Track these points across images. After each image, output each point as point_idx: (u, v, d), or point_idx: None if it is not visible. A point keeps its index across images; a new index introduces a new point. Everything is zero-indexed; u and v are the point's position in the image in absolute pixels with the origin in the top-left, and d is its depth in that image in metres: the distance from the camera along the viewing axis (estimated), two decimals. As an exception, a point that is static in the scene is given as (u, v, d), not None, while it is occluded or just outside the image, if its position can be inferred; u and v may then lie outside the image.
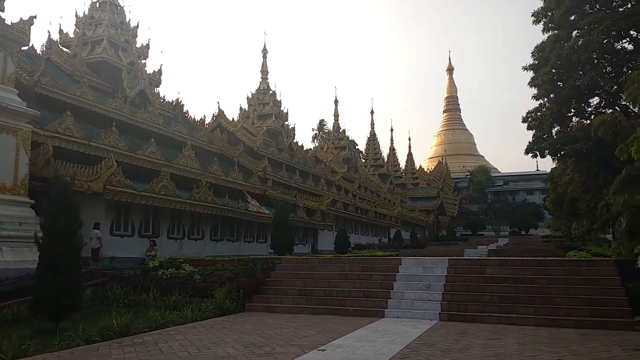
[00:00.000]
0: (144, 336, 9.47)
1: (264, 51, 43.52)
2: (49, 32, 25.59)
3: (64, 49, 25.76)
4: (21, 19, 15.26)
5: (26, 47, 17.91)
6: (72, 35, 26.45)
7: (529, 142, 22.04)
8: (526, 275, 12.98)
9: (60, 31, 26.64)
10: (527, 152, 22.07)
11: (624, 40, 19.79)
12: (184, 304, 12.50)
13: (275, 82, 67.74)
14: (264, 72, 42.85)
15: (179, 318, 11.11)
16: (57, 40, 25.70)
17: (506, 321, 11.18)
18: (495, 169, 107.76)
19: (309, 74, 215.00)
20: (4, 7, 14.85)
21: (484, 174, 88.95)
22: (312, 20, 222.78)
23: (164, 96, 30.41)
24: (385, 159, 73.49)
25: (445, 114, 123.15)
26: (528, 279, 12.79)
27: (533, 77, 21.40)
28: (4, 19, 14.73)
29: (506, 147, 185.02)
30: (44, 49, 24.46)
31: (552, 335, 9.67)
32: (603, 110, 20.06)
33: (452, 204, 76.93)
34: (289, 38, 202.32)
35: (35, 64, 20.12)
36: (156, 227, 20.79)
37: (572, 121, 21.45)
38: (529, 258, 16.62)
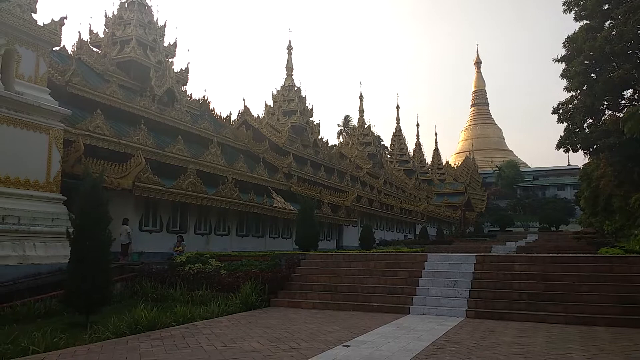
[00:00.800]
0: (171, 330, 9.65)
1: (289, 48, 43.62)
2: (79, 32, 26.29)
3: (94, 49, 26.36)
4: (52, 20, 15.65)
5: (57, 48, 18.37)
6: (101, 35, 27.03)
7: (561, 136, 21.54)
8: (556, 272, 12.69)
9: (91, 31, 27.25)
10: (558, 146, 21.56)
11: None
12: (211, 298, 12.68)
13: (300, 79, 68.07)
14: (289, 68, 42.97)
15: (206, 313, 11.28)
16: (87, 41, 26.30)
17: (535, 319, 10.96)
18: (525, 163, 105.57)
19: (334, 70, 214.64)
20: (36, 8, 15.27)
21: (512, 169, 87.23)
22: (337, 16, 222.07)
23: (190, 94, 30.84)
24: (411, 155, 72.88)
25: (472, 108, 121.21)
26: (558, 276, 12.50)
27: (565, 68, 20.87)
28: (36, 20, 15.16)
29: (536, 141, 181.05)
30: (75, 49, 25.07)
31: (582, 334, 9.44)
32: (637, 104, 19.41)
33: (480, 199, 75.79)
34: (314, 34, 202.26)
35: (67, 64, 20.66)
36: (183, 222, 21.14)
37: (605, 114, 20.86)
38: (558, 255, 16.24)
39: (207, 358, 7.35)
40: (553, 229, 64.67)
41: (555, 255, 16.12)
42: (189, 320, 10.55)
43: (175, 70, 27.53)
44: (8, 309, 10.93)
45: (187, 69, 29.00)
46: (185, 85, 29.06)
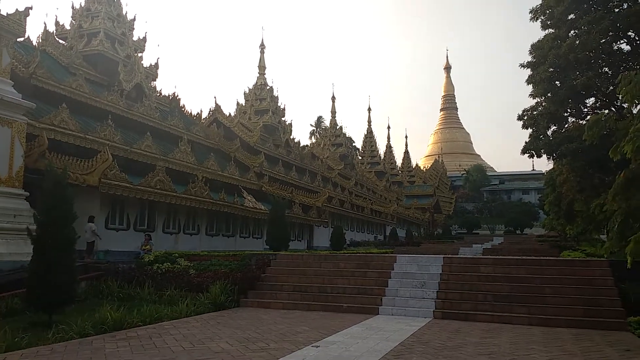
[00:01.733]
0: (138, 330, 9.45)
1: (262, 46, 43.35)
2: (45, 23, 25.44)
3: (60, 41, 25.59)
4: (17, 10, 15.14)
5: (22, 39, 17.80)
6: (68, 27, 26.26)
7: (526, 142, 22.05)
8: (520, 275, 13.02)
9: (57, 23, 26.45)
10: (523, 151, 22.08)
11: (622, 41, 19.82)
12: (179, 298, 12.48)
13: (272, 78, 67.70)
14: (262, 67, 42.72)
15: (174, 313, 11.09)
16: (53, 32, 25.52)
17: (500, 320, 11.22)
18: (492, 168, 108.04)
19: (306, 70, 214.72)
20: (0, -2, 14.74)
21: (479, 173, 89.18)
22: (310, 17, 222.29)
23: (160, 90, 30.33)
24: (382, 157, 73.53)
25: (442, 113, 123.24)
26: (522, 278, 12.83)
27: (530, 74, 21.39)
28: (0, 10, 14.63)
29: (502, 146, 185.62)
30: (40, 40, 24.27)
31: (546, 335, 9.72)
32: (599, 111, 20.11)
33: (448, 202, 77.19)
34: (287, 34, 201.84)
35: (31, 56, 19.97)
36: (152, 221, 20.75)
37: (568, 121, 21.50)
38: (523, 257, 16.69)
39: (175, 359, 7.24)
40: (518, 232, 66.43)
41: (520, 257, 16.55)
42: (156, 321, 10.36)
43: (144, 66, 27.00)
44: (-35, 308, 10.50)
45: (156, 64, 28.48)
46: (155, 81, 28.55)
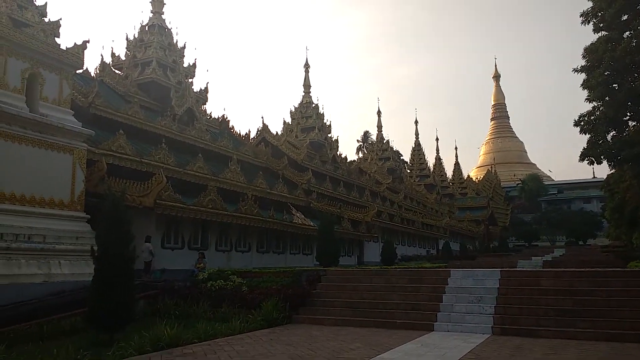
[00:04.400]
0: (193, 347, 9.62)
1: (306, 66, 44.04)
2: (102, 55, 27.00)
3: (116, 71, 27.03)
4: (75, 43, 16.11)
5: (80, 70, 18.87)
6: (123, 58, 27.73)
7: (584, 148, 21.14)
8: (584, 288, 12.34)
9: (113, 54, 27.98)
10: (581, 158, 21.15)
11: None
12: (232, 315, 12.64)
13: (317, 95, 68.44)
14: (307, 86, 43.32)
15: (227, 329, 11.24)
16: (109, 63, 27.00)
17: (563, 335, 10.63)
18: (548, 176, 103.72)
19: (352, 86, 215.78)
20: (59, 32, 15.74)
21: (536, 182, 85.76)
22: (353, 32, 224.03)
23: (210, 113, 31.29)
24: (432, 169, 72.26)
25: (493, 122, 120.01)
26: (586, 291, 12.14)
27: (585, 79, 20.57)
28: (59, 45, 15.62)
29: (559, 154, 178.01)
30: (98, 71, 25.77)
31: (614, 350, 9.11)
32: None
33: (504, 213, 74.51)
34: (331, 50, 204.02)
35: (90, 86, 21.19)
36: (205, 239, 21.25)
37: (629, 125, 20.44)
38: (586, 269, 15.79)
39: (229, 376, 7.29)
40: (580, 242, 63.09)
41: (583, 270, 15.68)
42: (210, 337, 10.52)
43: (194, 90, 28.02)
44: (34, 326, 11.06)
45: (206, 88, 29.49)
46: (205, 104, 29.58)
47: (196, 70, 29.21)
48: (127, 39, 28.08)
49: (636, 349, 9.30)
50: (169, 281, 15.69)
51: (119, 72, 26.97)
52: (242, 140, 31.93)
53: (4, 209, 13.25)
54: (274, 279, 15.26)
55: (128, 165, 19.08)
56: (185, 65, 28.65)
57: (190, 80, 28.37)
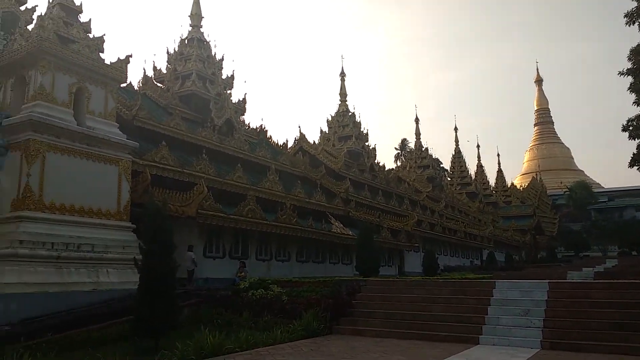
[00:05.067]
0: (235, 356, 9.66)
1: (342, 74, 44.07)
2: (144, 69, 27.86)
3: (158, 84, 27.81)
4: (118, 58, 16.69)
5: (124, 84, 19.51)
6: (164, 71, 28.52)
7: (633, 154, 20.21)
8: (639, 300, 11.65)
9: (154, 68, 28.84)
10: (631, 164, 20.23)
11: None
12: (273, 324, 12.65)
13: (354, 104, 68.35)
14: (343, 94, 43.33)
15: (268, 339, 11.24)
16: (151, 76, 27.83)
17: (617, 350, 10.07)
18: (598, 184, 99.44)
19: (388, 92, 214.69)
20: (103, 48, 16.35)
21: (584, 190, 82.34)
22: (388, 38, 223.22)
23: (248, 123, 31.69)
24: (473, 177, 70.64)
25: (536, 128, 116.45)
26: (643, 304, 11.47)
27: (633, 82, 19.71)
28: (104, 60, 16.22)
29: (609, 160, 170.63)
30: (140, 84, 26.58)
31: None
32: None
33: (551, 222, 71.82)
34: (366, 58, 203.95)
35: (133, 99, 21.87)
36: (245, 249, 21.45)
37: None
38: (642, 281, 14.94)
39: (271, 387, 7.24)
40: (634, 253, 60.06)
41: (637, 281, 14.86)
42: (252, 347, 10.54)
43: (233, 101, 28.47)
44: (83, 333, 11.39)
45: (244, 99, 29.90)
46: (243, 114, 29.96)
47: (234, 81, 29.68)
48: (167, 52, 28.89)
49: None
50: (212, 290, 15.89)
51: (161, 85, 27.73)
52: (279, 149, 32.18)
53: (55, 219, 13.78)
54: (313, 288, 15.21)
55: (171, 175, 19.52)
56: (224, 77, 29.19)
57: (229, 91, 28.87)
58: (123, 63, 16.66)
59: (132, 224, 15.89)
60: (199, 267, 17.91)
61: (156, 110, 24.16)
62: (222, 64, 29.48)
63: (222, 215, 19.00)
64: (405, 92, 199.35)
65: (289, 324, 12.56)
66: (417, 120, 61.76)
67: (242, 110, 29.63)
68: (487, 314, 12.39)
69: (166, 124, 22.11)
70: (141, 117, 20.75)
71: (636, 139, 20.13)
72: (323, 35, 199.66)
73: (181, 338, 10.35)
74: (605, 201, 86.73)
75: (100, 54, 16.21)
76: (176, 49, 28.83)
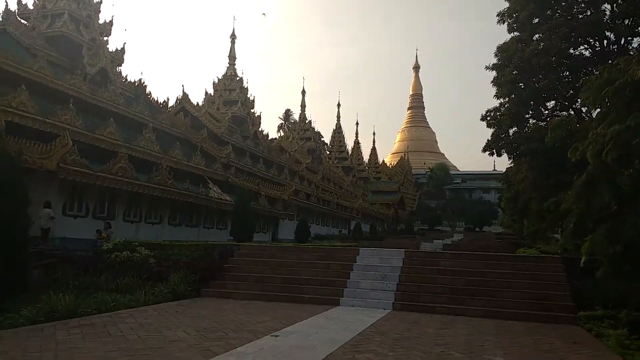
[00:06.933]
0: (92, 318, 9.23)
1: (233, 36, 42.80)
2: (6, 2, 24.43)
3: (22, 21, 24.64)
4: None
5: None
6: (31, 7, 25.32)
7: (488, 140, 22.66)
8: (477, 269, 13.38)
9: (19, 2, 25.47)
10: (485, 149, 22.66)
11: (582, 47, 20.52)
12: (137, 287, 12.23)
13: (242, 69, 66.85)
14: (232, 57, 42.21)
15: (131, 301, 10.88)
16: (15, 11, 24.56)
17: (456, 312, 11.49)
18: (455, 167, 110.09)
19: (277, 62, 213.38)
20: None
21: (443, 171, 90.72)
22: (281, 10, 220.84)
23: (126, 76, 29.58)
24: (350, 152, 73.89)
25: (409, 111, 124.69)
26: (479, 272, 13.19)
27: (496, 76, 21.92)
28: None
29: (465, 146, 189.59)
30: (0, 19, 23.30)
31: (499, 327, 10.03)
32: (558, 113, 20.81)
33: (412, 198, 78.20)
34: (258, 25, 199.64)
35: (-12, 34, 19.15)
36: (112, 209, 20.30)
37: (529, 123, 22.16)
38: (480, 253, 17.15)
39: (129, 347, 7.12)
40: (477, 229, 68.18)
41: (477, 253, 16.99)
42: (112, 309, 10.14)
43: (110, 50, 26.29)
44: None
45: (123, 49, 27.77)
46: (121, 66, 27.88)
47: (113, 28, 27.43)
48: (35, -15, 25.61)
49: (518, 326, 10.29)
50: (70, 250, 14.83)
51: (25, 23, 24.59)
52: (159, 108, 30.54)
53: None
54: (185, 252, 14.94)
55: (30, 124, 17.60)
56: (101, 22, 26.74)
57: (105, 38, 26.59)
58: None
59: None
60: (58, 226, 16.56)
61: (18, 50, 21.41)
62: (99, 8, 26.98)
63: (87, 171, 17.69)
64: (294, 65, 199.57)
65: (155, 287, 12.27)
66: (303, 92, 62.52)
67: (120, 61, 27.51)
68: (349, 278, 13.32)
69: (28, 66, 19.73)
70: (-5, 55, 18.27)
71: (492, 128, 22.56)
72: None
73: (31, 301, 9.57)
74: (459, 182, 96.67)
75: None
76: (46, -16, 25.63)
